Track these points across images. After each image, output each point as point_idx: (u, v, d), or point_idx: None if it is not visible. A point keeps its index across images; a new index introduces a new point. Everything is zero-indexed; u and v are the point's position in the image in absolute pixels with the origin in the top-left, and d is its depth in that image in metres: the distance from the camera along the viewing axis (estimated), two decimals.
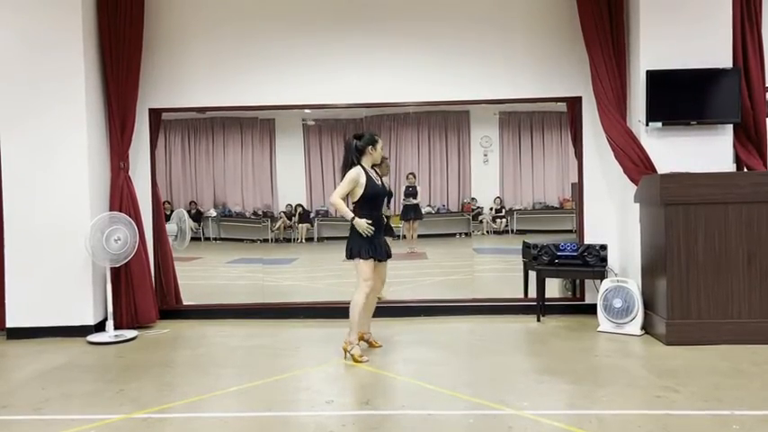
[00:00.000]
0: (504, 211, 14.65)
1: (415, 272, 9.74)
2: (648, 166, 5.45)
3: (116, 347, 5.31)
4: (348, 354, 4.72)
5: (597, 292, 5.59)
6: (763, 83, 5.58)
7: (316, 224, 13.08)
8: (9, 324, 5.62)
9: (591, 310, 5.75)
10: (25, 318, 5.60)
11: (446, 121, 14.82)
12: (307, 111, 11.53)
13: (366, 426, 3.49)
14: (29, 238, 5.59)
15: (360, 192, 4.76)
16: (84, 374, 4.58)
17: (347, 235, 4.82)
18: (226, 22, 6.20)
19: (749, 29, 5.53)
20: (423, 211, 12.75)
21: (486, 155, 15.02)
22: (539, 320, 5.88)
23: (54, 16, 5.55)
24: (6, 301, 5.62)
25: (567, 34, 6.01)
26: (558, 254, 5.88)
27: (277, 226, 14.03)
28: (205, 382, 4.27)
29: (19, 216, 5.60)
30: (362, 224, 4.70)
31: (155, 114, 6.24)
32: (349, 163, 4.83)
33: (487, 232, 14.50)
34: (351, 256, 4.77)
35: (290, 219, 13.92)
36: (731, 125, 5.51)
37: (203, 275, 9.71)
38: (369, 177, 4.79)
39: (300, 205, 12.60)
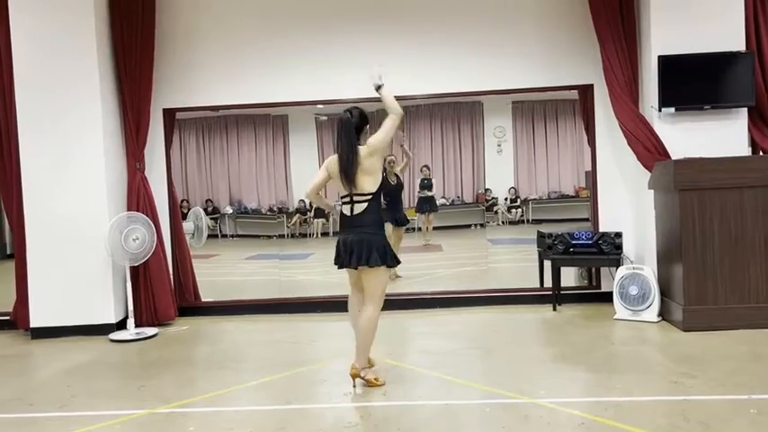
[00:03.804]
0: (519, 201, 14.60)
1: (430, 264, 9.76)
2: (662, 153, 5.42)
3: (137, 345, 5.40)
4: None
5: (613, 280, 5.58)
6: None
7: (331, 219, 13.11)
8: (33, 324, 5.72)
9: (607, 298, 5.73)
10: (48, 318, 5.70)
11: (459, 112, 14.78)
12: (319, 106, 11.57)
13: (383, 417, 3.53)
14: (50, 240, 5.69)
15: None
16: (108, 372, 4.68)
17: None
18: (237, 21, 6.23)
19: (761, 11, 5.46)
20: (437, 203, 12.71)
21: (499, 145, 14.97)
22: (555, 310, 5.88)
23: (67, 20, 5.62)
24: (30, 302, 5.73)
25: (578, 21, 5.96)
26: (573, 242, 5.87)
27: (293, 222, 14.12)
28: (225, 377, 4.33)
29: (39, 218, 5.70)
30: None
31: (169, 114, 6.30)
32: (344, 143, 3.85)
33: (503, 223, 14.47)
34: None
35: (305, 214, 13.99)
36: (745, 109, 5.45)
37: (221, 272, 9.81)
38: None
39: None
